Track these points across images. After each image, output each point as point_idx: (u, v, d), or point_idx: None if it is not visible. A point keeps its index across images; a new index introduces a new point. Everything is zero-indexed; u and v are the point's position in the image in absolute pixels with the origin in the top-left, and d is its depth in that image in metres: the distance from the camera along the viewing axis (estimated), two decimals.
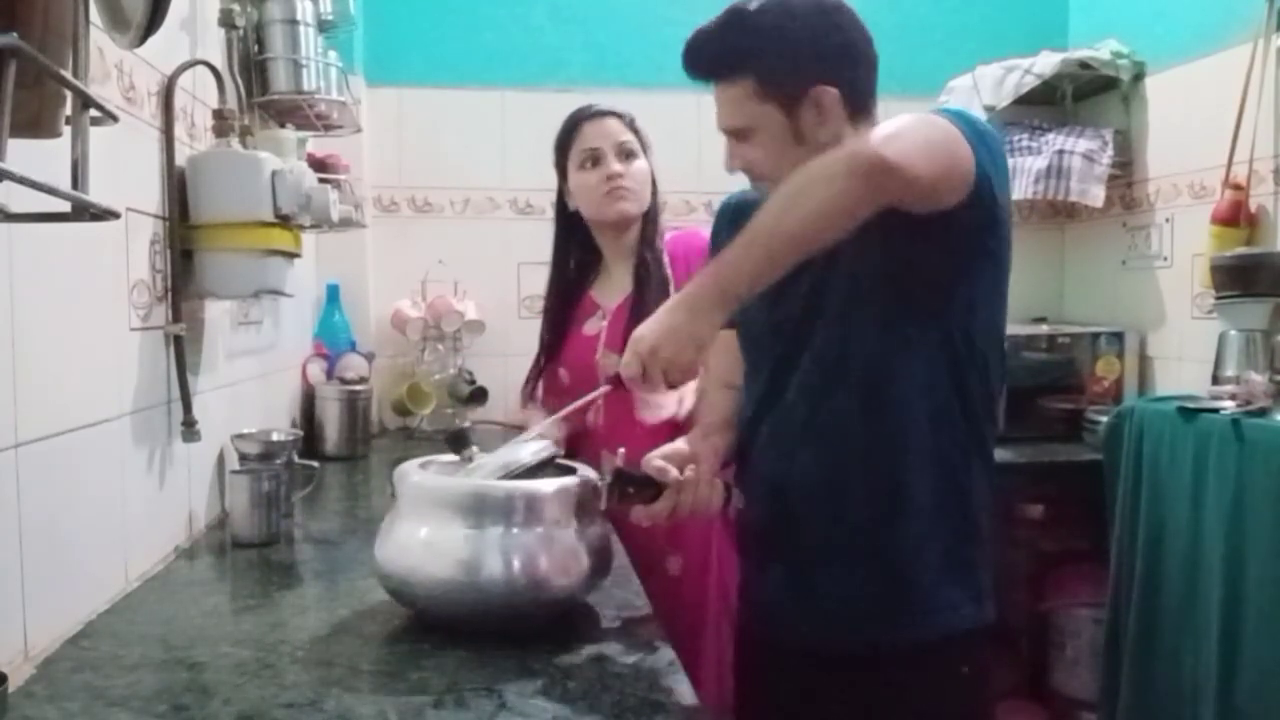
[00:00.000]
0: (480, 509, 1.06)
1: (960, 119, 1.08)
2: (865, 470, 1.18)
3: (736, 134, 1.24)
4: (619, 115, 1.83)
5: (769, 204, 1.05)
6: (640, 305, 1.69)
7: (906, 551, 1.17)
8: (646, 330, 1.05)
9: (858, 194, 1.01)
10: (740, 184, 1.36)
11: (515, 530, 1.05)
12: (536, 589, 1.06)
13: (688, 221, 2.35)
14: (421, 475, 1.13)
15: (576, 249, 1.89)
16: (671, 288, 1.71)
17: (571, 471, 1.17)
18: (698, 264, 1.50)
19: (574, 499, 1.11)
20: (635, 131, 1.82)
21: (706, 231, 1.53)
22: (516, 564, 1.04)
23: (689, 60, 1.25)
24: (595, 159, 1.78)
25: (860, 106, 1.22)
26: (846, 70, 1.21)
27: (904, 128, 1.04)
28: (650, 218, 1.82)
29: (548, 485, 1.10)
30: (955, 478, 1.18)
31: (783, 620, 1.26)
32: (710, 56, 1.23)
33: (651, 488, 1.14)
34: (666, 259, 1.77)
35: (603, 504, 1.14)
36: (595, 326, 1.82)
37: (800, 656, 1.22)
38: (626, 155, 1.78)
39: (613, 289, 1.84)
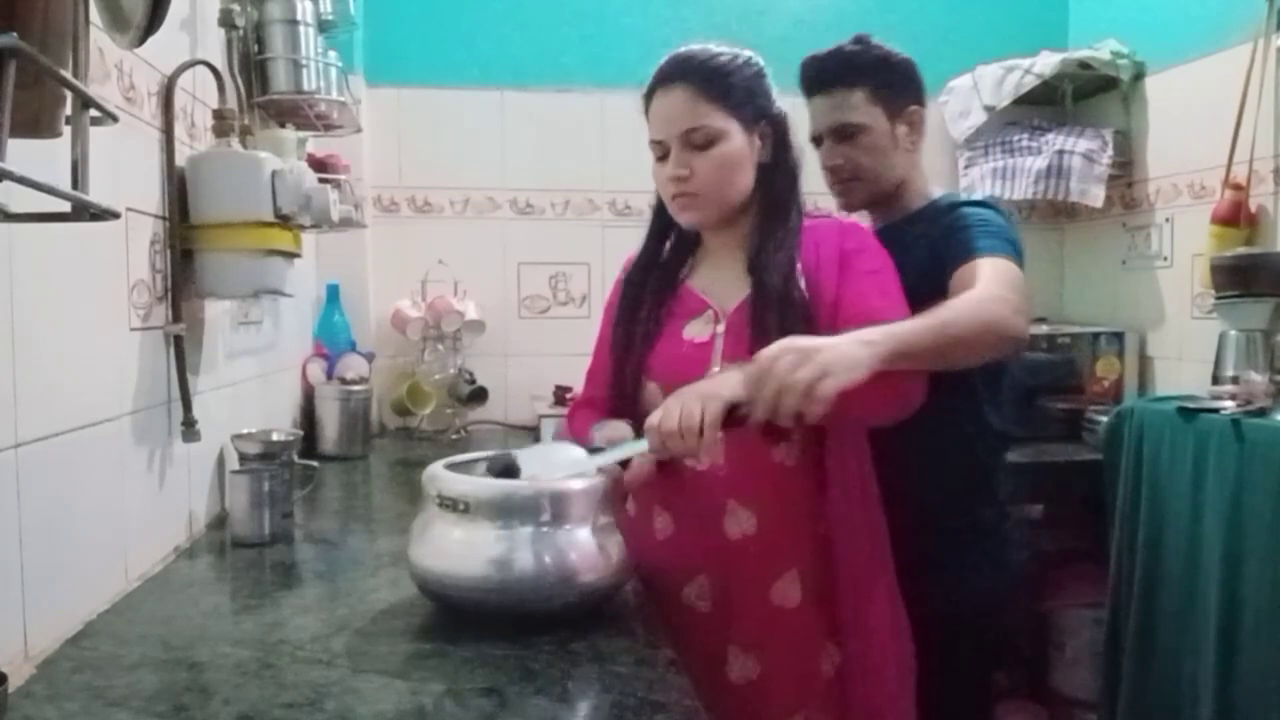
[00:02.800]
0: (509, 509, 1.08)
1: (1014, 250, 1.40)
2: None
3: (842, 132, 1.53)
4: (691, 82, 1.31)
5: (936, 321, 1.20)
6: (760, 317, 1.29)
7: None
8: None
9: (990, 352, 1.27)
10: None
11: (544, 529, 1.08)
12: (565, 585, 1.08)
13: None
14: (452, 477, 1.14)
15: (675, 227, 1.43)
16: (799, 306, 1.28)
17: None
18: (828, 260, 1.32)
19: (600, 498, 1.13)
20: (721, 97, 1.31)
21: (848, 220, 1.44)
22: (547, 560, 1.06)
23: (817, 67, 1.55)
24: (663, 152, 1.35)
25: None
26: (924, 102, 1.58)
27: (1019, 298, 1.30)
28: (765, 204, 1.36)
29: (575, 485, 1.12)
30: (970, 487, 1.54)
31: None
32: (837, 66, 1.54)
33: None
34: (799, 263, 1.32)
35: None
36: (704, 330, 1.35)
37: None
38: (698, 145, 1.31)
39: (725, 284, 1.36)
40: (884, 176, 1.55)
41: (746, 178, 1.35)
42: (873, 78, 1.52)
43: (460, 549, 1.08)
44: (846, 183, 1.56)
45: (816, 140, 1.57)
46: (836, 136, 1.54)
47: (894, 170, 1.55)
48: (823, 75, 1.54)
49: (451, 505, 1.10)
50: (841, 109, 1.53)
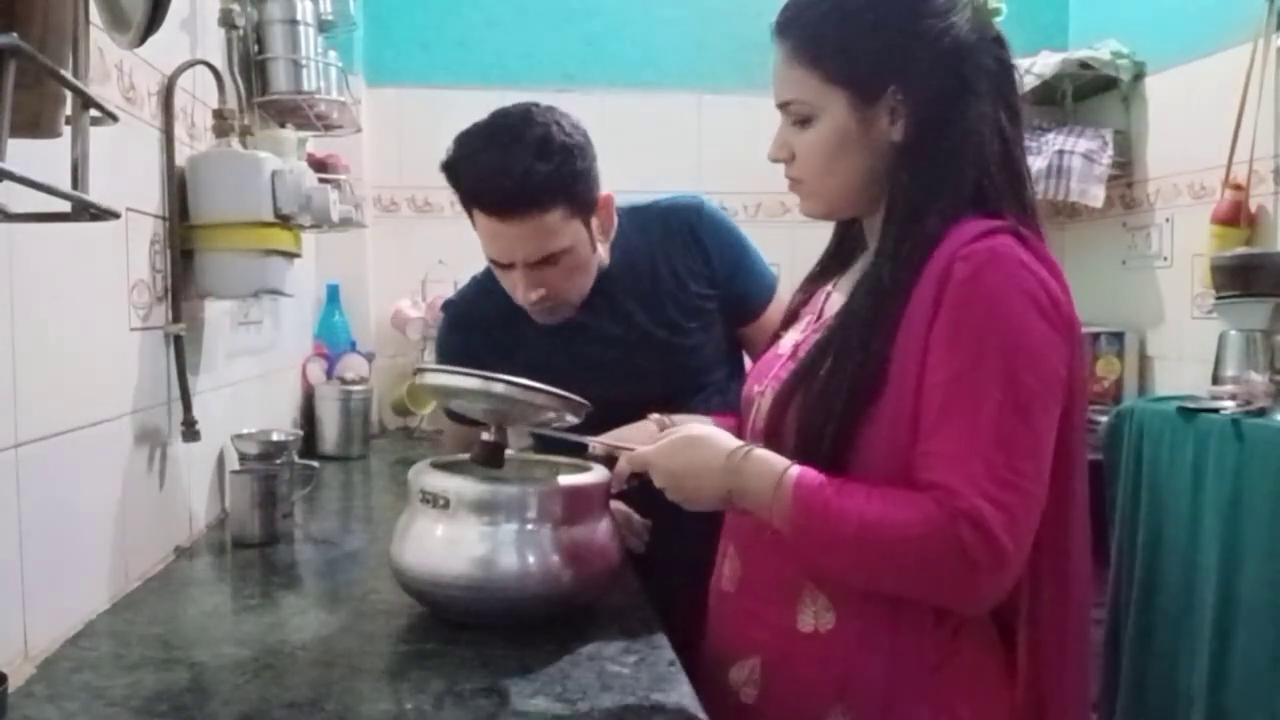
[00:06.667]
0: (492, 506, 1.06)
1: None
2: None
3: (541, 261, 1.29)
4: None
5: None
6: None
7: None
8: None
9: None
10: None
11: (529, 527, 1.06)
12: (551, 585, 1.06)
13: None
14: (434, 473, 1.13)
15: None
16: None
17: (586, 469, 1.17)
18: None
19: (588, 496, 1.12)
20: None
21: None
22: (531, 560, 1.05)
23: (500, 195, 1.25)
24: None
25: None
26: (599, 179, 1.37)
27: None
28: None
29: (563, 482, 1.11)
30: None
31: None
32: (528, 191, 1.25)
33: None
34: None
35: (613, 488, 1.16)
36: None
37: None
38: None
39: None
40: (590, 281, 1.37)
41: (592, 271, 1.39)
42: (567, 193, 1.28)
43: (441, 546, 1.07)
44: (551, 309, 1.36)
45: (499, 263, 1.33)
46: (532, 264, 1.30)
47: (594, 268, 1.37)
48: (508, 203, 1.26)
49: (433, 501, 1.08)
50: (536, 238, 1.27)
